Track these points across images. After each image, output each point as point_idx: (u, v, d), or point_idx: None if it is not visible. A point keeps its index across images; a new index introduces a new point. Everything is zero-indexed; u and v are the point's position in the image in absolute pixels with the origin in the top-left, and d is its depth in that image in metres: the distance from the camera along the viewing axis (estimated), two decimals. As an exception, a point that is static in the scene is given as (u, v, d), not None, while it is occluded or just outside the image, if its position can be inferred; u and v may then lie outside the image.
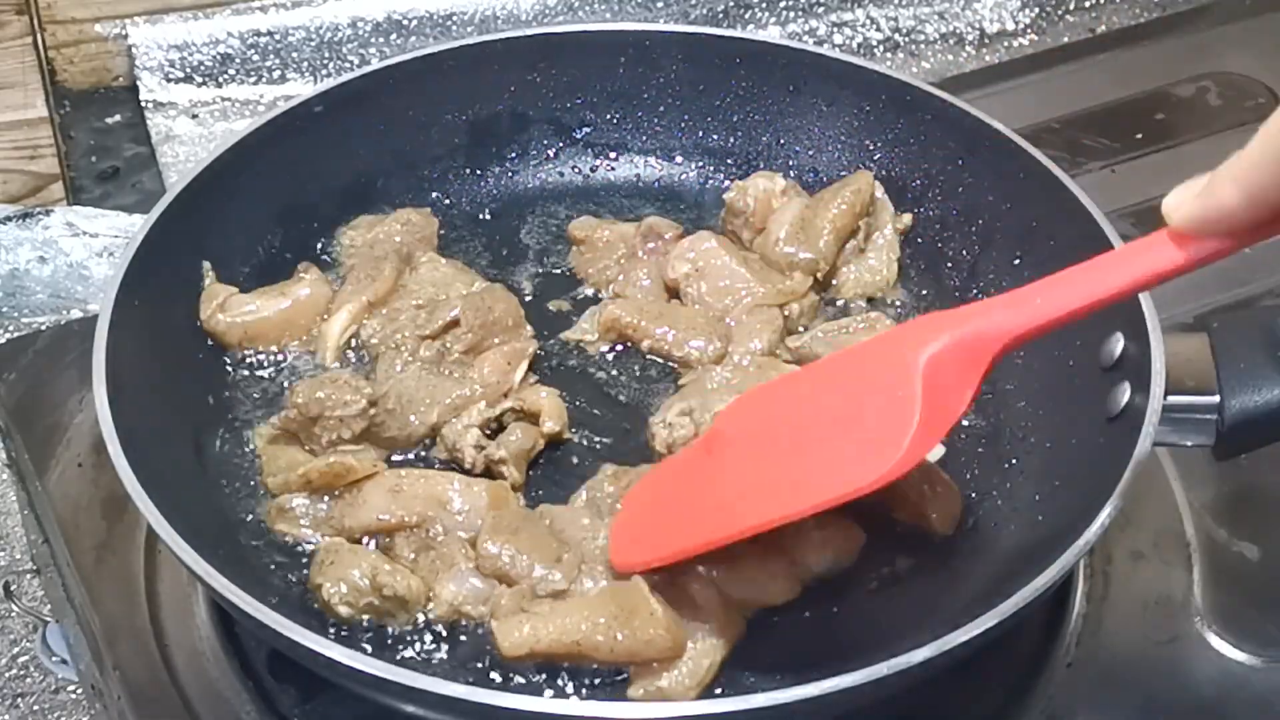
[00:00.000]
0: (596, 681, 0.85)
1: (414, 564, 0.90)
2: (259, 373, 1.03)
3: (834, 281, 1.10)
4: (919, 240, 1.12)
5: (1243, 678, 0.95)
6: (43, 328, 1.22)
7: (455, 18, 1.55)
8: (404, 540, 0.91)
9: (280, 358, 1.04)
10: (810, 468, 0.82)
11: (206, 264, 1.03)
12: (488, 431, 0.97)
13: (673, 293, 1.09)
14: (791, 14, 1.61)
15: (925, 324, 0.82)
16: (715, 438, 0.90)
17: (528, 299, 1.10)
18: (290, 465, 0.95)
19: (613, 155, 1.21)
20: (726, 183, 1.17)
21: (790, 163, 1.18)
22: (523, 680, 0.85)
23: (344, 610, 0.87)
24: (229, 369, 1.03)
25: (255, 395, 1.02)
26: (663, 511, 0.88)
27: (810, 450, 0.83)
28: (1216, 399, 0.90)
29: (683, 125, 1.20)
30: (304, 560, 0.91)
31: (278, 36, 1.51)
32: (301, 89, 1.48)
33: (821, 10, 1.62)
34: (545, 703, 0.79)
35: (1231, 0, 1.60)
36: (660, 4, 1.59)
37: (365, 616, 0.87)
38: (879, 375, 0.81)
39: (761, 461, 0.85)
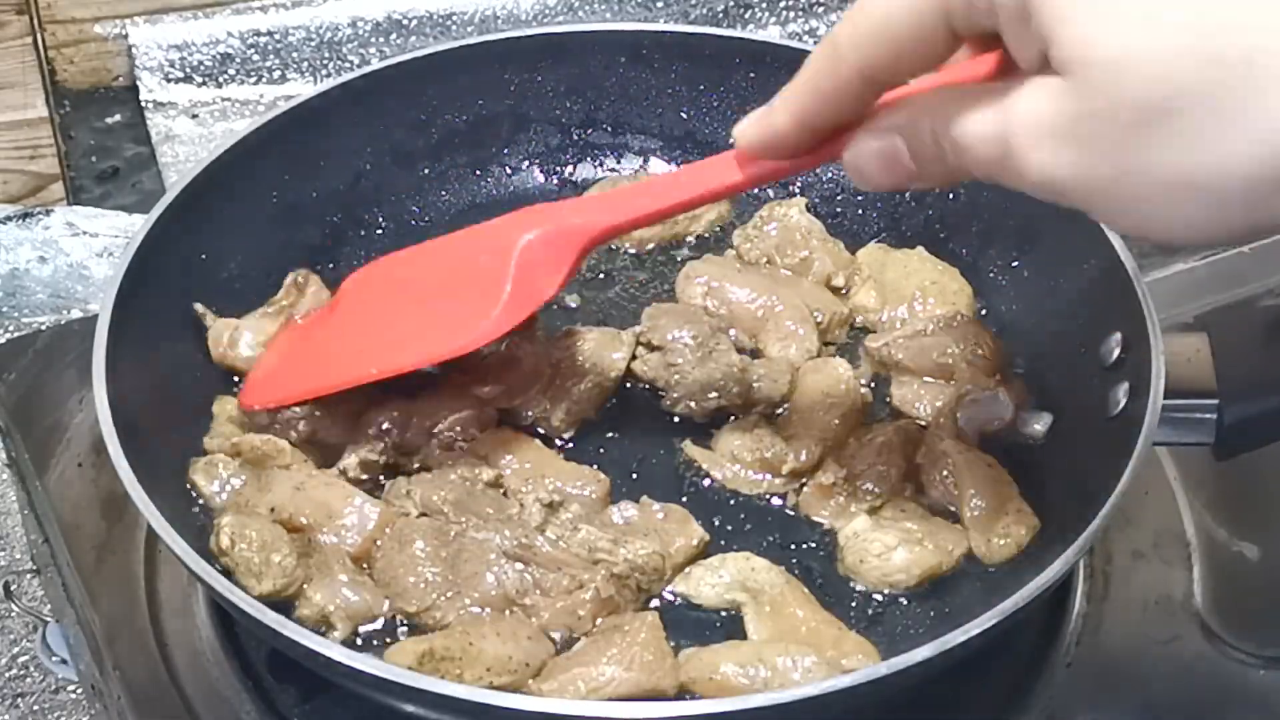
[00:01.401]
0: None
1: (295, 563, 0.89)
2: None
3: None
4: (920, 240, 1.12)
5: (1243, 678, 0.95)
6: (43, 328, 1.22)
7: (455, 18, 1.55)
8: (290, 541, 0.89)
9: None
10: (421, 328, 0.94)
11: (199, 306, 1.02)
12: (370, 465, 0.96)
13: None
14: (791, 14, 1.61)
15: (530, 214, 0.94)
16: (342, 297, 1.01)
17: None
18: (232, 432, 0.96)
19: (613, 155, 1.21)
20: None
21: (790, 162, 1.18)
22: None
23: (223, 541, 0.87)
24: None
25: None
26: (293, 360, 0.98)
27: (422, 313, 0.95)
28: (1216, 399, 0.90)
29: (683, 125, 1.20)
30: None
31: (278, 36, 1.51)
32: (301, 89, 1.48)
33: (821, 10, 1.62)
34: (545, 703, 0.79)
35: None
36: (660, 4, 1.60)
37: (236, 563, 0.87)
38: (485, 253, 0.93)
39: (381, 319, 0.97)
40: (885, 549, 0.90)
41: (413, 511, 0.92)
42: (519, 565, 0.88)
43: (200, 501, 0.93)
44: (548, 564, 0.88)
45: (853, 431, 0.98)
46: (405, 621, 0.88)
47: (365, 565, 0.90)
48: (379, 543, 0.90)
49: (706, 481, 0.97)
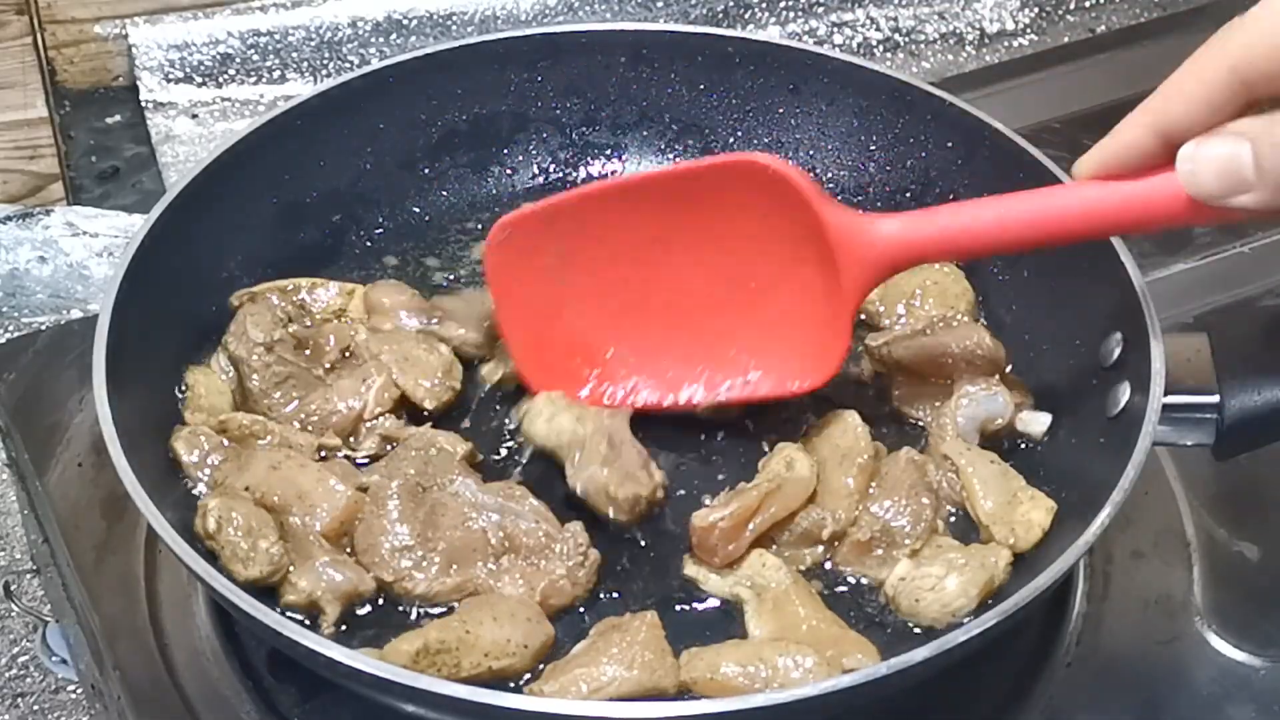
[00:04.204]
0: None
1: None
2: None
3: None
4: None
5: (1243, 678, 0.95)
6: (43, 328, 1.22)
7: (455, 18, 1.55)
8: (272, 523, 0.90)
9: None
10: (713, 346, 0.96)
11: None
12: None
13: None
14: (791, 14, 1.61)
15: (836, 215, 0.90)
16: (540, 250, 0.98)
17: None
18: (212, 408, 0.97)
19: (613, 155, 1.21)
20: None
21: (790, 162, 1.18)
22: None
23: (209, 524, 0.87)
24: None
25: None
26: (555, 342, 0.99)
27: (706, 327, 0.95)
28: (1216, 399, 0.90)
29: (683, 125, 1.20)
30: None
31: (278, 36, 1.51)
32: (301, 89, 1.48)
33: (821, 10, 1.62)
34: (546, 703, 0.79)
35: (1231, 0, 1.60)
36: (660, 4, 1.60)
37: (222, 546, 0.87)
38: (794, 266, 0.91)
39: (651, 317, 0.98)
40: (936, 580, 0.88)
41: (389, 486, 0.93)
42: (495, 516, 0.90)
43: (179, 471, 0.93)
44: (525, 515, 0.90)
45: (871, 478, 0.95)
46: (390, 598, 0.89)
47: (347, 545, 0.91)
48: (358, 519, 0.91)
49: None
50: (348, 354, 1.01)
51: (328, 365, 1.01)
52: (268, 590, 0.87)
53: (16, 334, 1.28)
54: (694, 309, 0.96)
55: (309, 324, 1.03)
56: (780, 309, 0.94)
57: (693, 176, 0.93)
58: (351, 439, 0.97)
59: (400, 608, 0.89)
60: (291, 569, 0.88)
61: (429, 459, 0.93)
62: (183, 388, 0.98)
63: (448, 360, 1.02)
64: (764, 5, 1.61)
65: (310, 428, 0.97)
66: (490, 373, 1.02)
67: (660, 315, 0.97)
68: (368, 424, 0.98)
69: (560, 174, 1.20)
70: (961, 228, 0.85)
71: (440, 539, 0.89)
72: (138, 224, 1.03)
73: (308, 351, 1.01)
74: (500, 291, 0.99)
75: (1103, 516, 0.83)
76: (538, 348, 0.98)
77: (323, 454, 0.96)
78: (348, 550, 0.90)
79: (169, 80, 1.50)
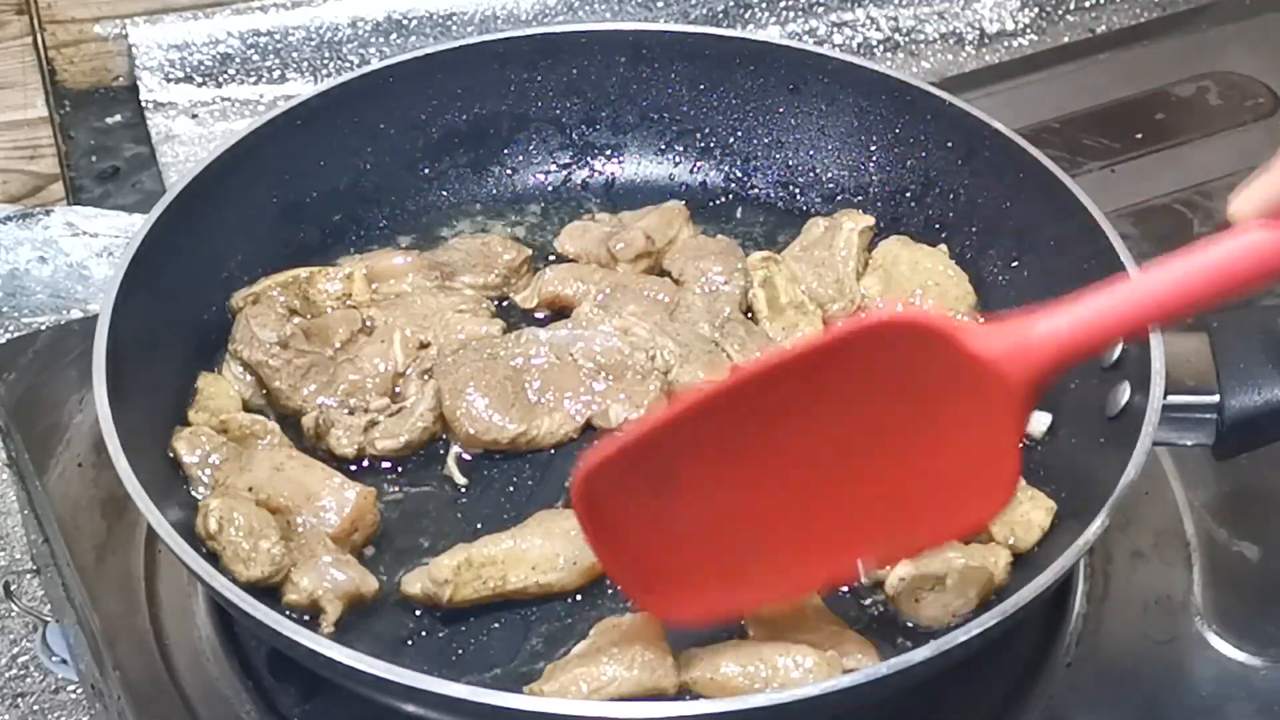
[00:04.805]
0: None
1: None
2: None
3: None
4: (919, 240, 1.12)
5: (1243, 678, 0.95)
6: (43, 328, 1.22)
7: (455, 18, 1.55)
8: (276, 527, 0.90)
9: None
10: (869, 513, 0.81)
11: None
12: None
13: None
14: (791, 14, 1.61)
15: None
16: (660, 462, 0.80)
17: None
18: (217, 410, 0.97)
19: (613, 155, 1.21)
20: (722, 180, 1.19)
21: (790, 162, 1.18)
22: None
23: (211, 525, 0.87)
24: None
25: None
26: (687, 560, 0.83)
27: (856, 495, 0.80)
28: (1216, 399, 0.91)
29: (682, 125, 1.20)
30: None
31: (278, 36, 1.51)
32: (301, 89, 1.48)
33: (821, 10, 1.62)
34: (546, 703, 0.79)
35: (1231, 0, 1.60)
36: (660, 4, 1.59)
37: (224, 547, 0.87)
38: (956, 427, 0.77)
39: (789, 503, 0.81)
40: (936, 580, 0.88)
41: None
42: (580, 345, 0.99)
43: (180, 472, 0.93)
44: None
45: None
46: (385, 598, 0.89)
47: (362, 543, 0.92)
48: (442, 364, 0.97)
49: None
50: (358, 334, 1.03)
51: (338, 344, 1.02)
52: (268, 590, 0.87)
53: (16, 334, 1.27)
54: (833, 491, 0.81)
55: (314, 315, 1.04)
56: (936, 459, 0.80)
57: (811, 357, 0.78)
58: (397, 392, 1.00)
59: (403, 609, 0.89)
60: (293, 569, 0.88)
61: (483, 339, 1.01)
62: (192, 391, 0.99)
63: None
64: (764, 5, 1.61)
65: (351, 408, 0.98)
66: (527, 299, 1.09)
67: (793, 512, 0.82)
68: (404, 375, 1.00)
69: (560, 174, 1.20)
70: (1128, 304, 0.76)
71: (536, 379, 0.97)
72: (138, 224, 1.03)
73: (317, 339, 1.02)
74: (596, 533, 0.83)
75: (1103, 516, 0.83)
76: (651, 578, 0.84)
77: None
78: (372, 553, 0.92)
79: (169, 80, 1.50)
